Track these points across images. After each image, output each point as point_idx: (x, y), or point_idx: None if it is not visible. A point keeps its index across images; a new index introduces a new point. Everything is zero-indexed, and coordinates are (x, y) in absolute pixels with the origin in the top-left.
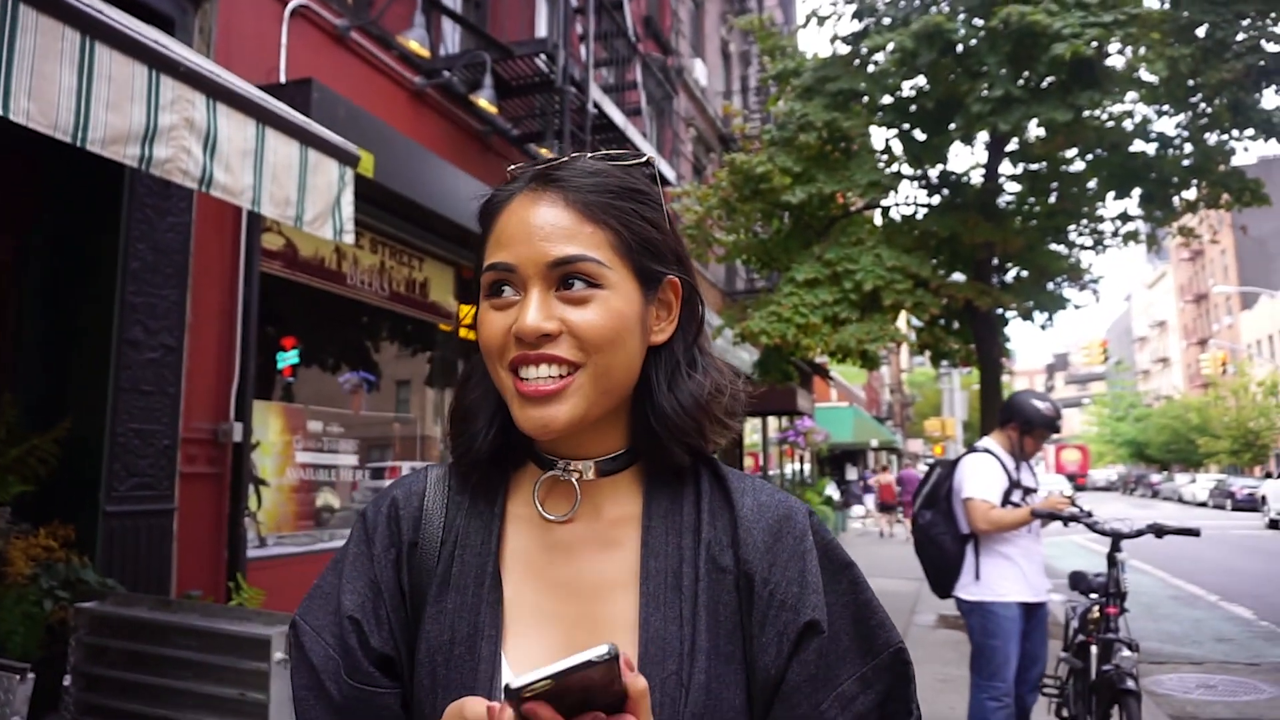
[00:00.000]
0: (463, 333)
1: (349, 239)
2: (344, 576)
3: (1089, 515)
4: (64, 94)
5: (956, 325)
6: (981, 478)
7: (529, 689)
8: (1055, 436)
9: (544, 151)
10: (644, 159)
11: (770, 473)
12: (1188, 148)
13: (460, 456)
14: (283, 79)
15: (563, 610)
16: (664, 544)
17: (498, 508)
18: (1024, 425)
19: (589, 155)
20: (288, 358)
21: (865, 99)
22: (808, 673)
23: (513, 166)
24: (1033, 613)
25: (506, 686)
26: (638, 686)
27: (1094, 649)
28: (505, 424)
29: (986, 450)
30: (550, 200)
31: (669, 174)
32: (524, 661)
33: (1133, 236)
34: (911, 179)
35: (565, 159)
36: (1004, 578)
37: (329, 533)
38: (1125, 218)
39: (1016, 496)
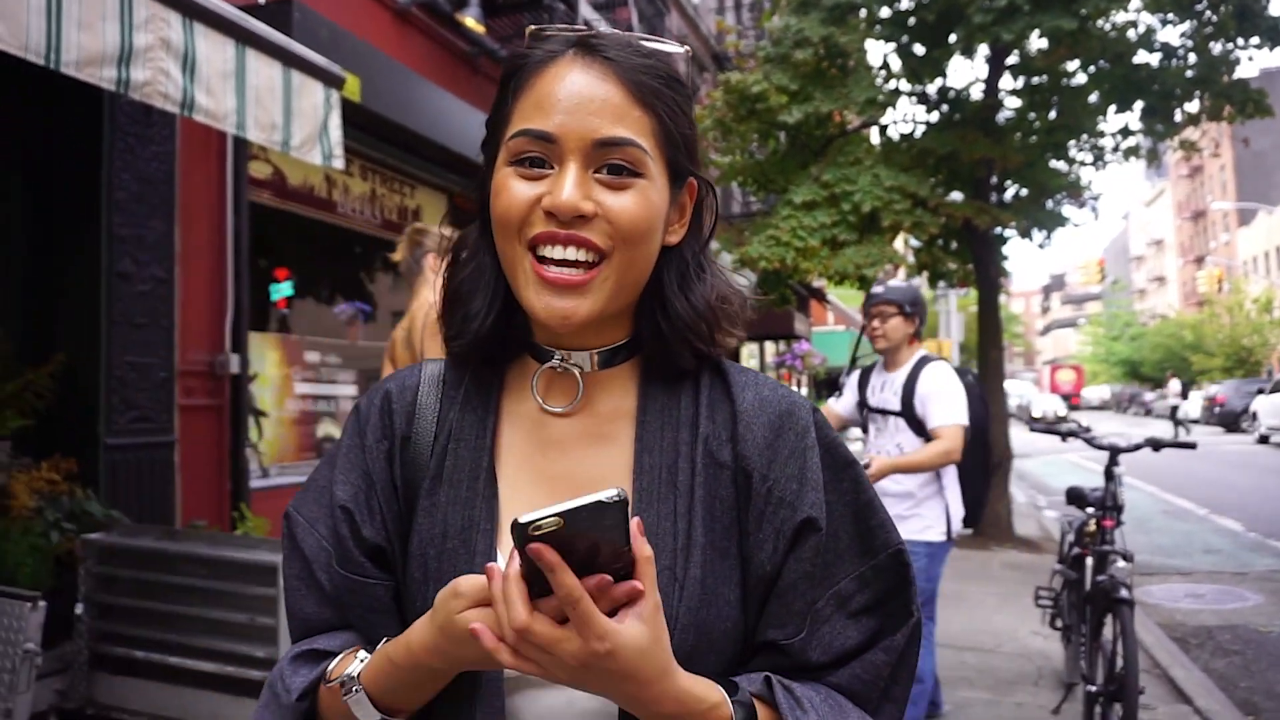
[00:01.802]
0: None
1: (338, 164)
2: (337, 468)
3: (1087, 430)
4: (33, 13)
5: (955, 245)
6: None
7: (535, 526)
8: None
9: None
10: (685, 50)
11: None
12: (1192, 58)
13: (453, 339)
14: None
15: (556, 503)
16: (659, 439)
17: (492, 402)
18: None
19: (626, 33)
20: (282, 289)
21: (863, 12)
22: (803, 570)
23: (535, 27)
24: None
25: (514, 522)
26: (644, 553)
27: (1089, 560)
28: (504, 306)
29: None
30: (601, 73)
31: None
32: None
33: (1134, 151)
34: (910, 95)
35: (602, 31)
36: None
37: None
38: (1126, 132)
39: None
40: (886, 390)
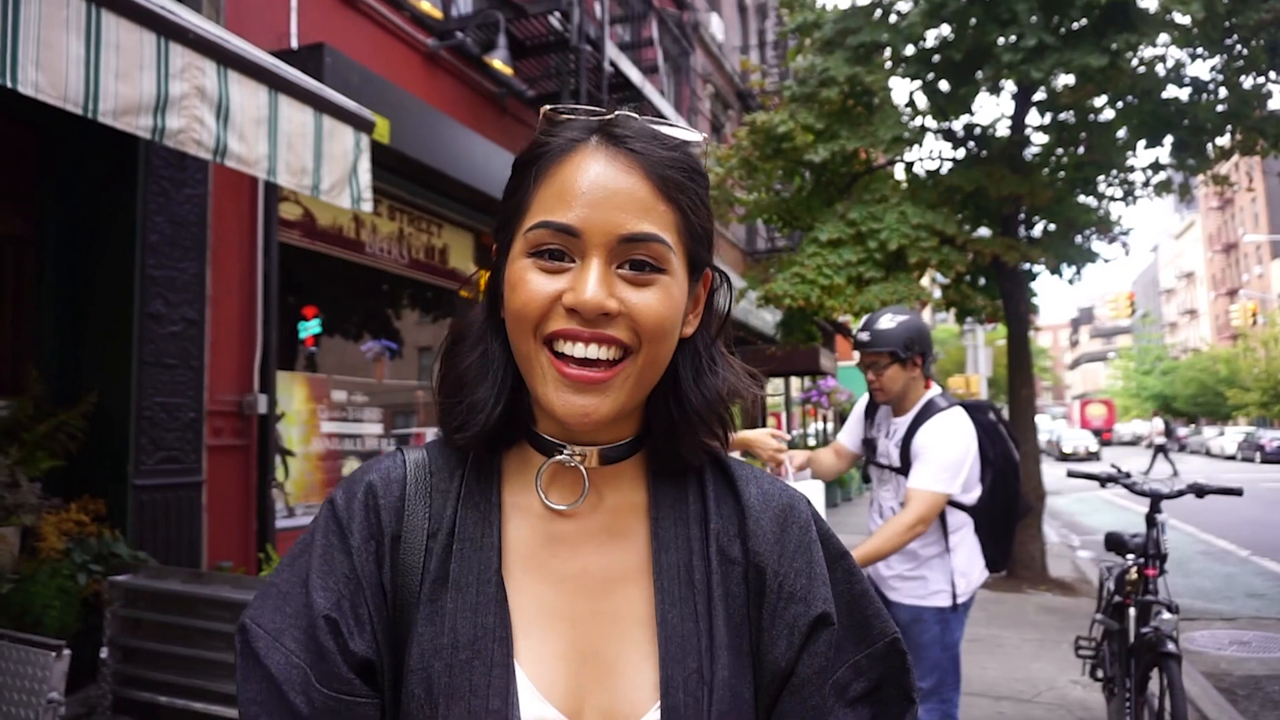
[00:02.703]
0: (463, 292)
1: (367, 207)
2: (312, 571)
3: (1127, 475)
4: (72, 63)
5: (983, 281)
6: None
7: None
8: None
9: None
10: (700, 138)
11: (793, 432)
12: (1222, 92)
13: (456, 431)
14: (294, 44)
15: (571, 607)
16: (673, 536)
17: (494, 497)
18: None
19: (642, 117)
20: (309, 327)
21: (888, 51)
22: (817, 665)
23: (551, 108)
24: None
25: None
26: None
27: (1132, 611)
28: (512, 395)
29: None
30: (626, 166)
31: None
32: (536, 663)
33: (1165, 187)
34: (936, 132)
35: (620, 114)
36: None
37: None
38: (1157, 167)
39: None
40: (890, 439)
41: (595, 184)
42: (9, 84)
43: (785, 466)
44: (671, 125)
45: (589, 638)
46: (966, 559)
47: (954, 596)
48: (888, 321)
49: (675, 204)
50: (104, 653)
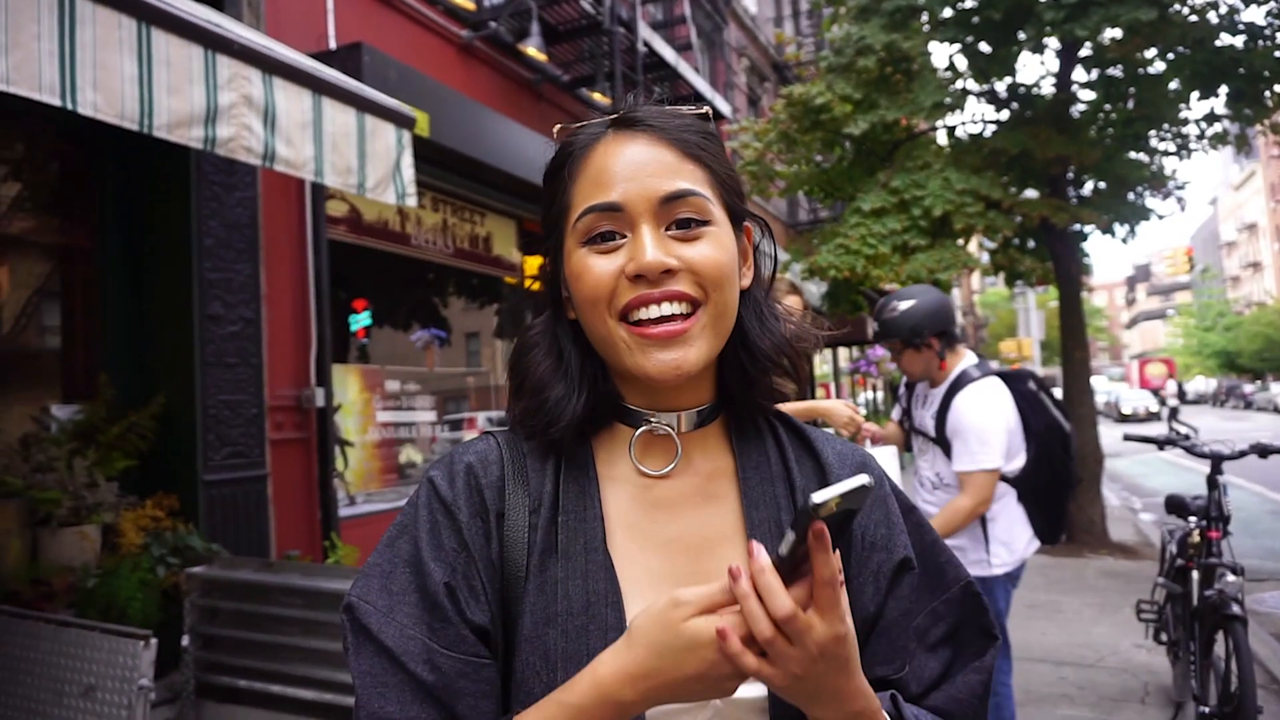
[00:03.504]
0: (529, 284)
1: (411, 202)
2: (422, 546)
3: (1186, 438)
4: (127, 82)
5: (1032, 244)
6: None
7: (823, 507)
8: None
9: (597, 96)
10: (703, 108)
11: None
12: (1279, 37)
13: (544, 430)
14: (332, 45)
15: (673, 568)
16: (760, 494)
17: (591, 470)
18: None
19: (645, 104)
20: (360, 320)
21: (925, 15)
22: (903, 607)
23: (560, 125)
24: None
25: (805, 504)
26: (824, 541)
27: (1195, 574)
28: (593, 386)
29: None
30: (645, 140)
31: (724, 108)
32: None
33: (1221, 138)
34: (978, 95)
35: (634, 106)
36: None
37: (414, 488)
38: (1212, 118)
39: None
40: (926, 409)
41: (625, 161)
42: (70, 106)
43: (863, 436)
44: (676, 108)
45: None
46: (1006, 528)
47: (990, 566)
48: (895, 310)
49: (700, 160)
50: (185, 640)
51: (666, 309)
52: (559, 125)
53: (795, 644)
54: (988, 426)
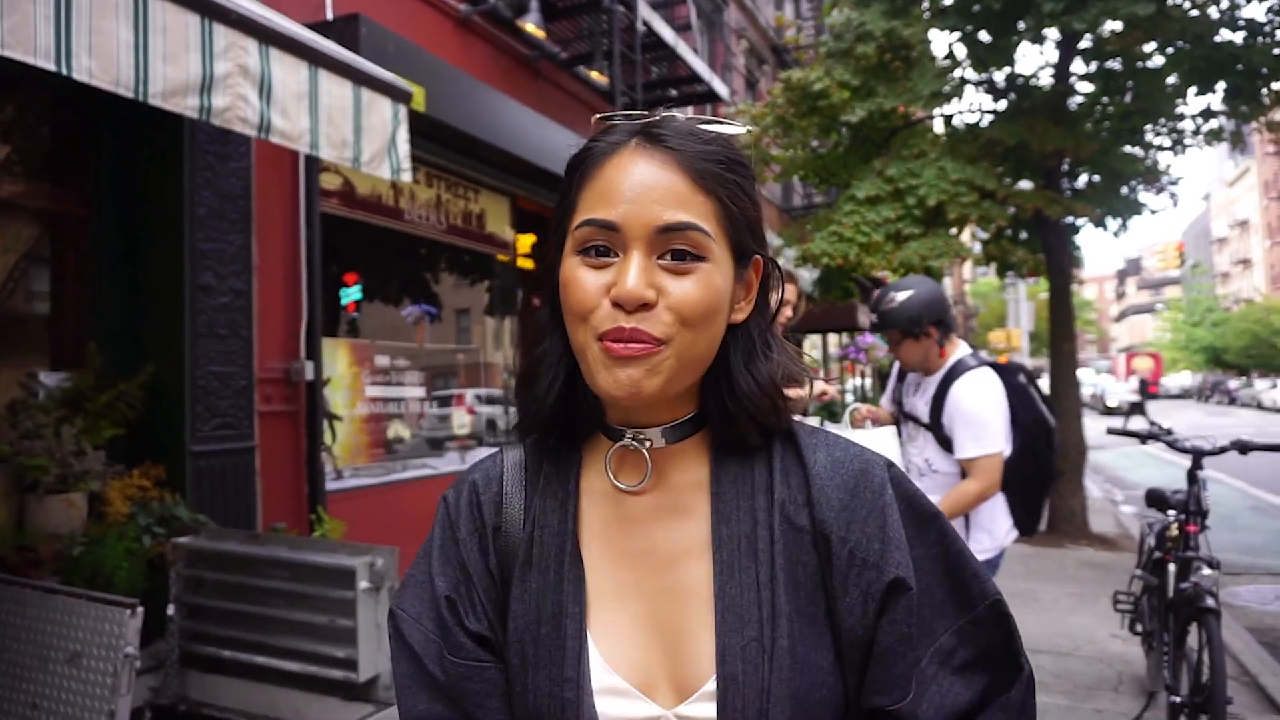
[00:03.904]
0: (521, 262)
1: (406, 177)
2: (434, 561)
3: (1168, 432)
4: (122, 49)
5: (1024, 235)
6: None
7: None
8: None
9: (595, 75)
10: (744, 129)
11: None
12: (1279, 35)
13: (525, 419)
14: (329, 15)
15: (641, 582)
16: (735, 508)
17: (571, 484)
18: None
19: (685, 116)
20: (351, 294)
21: (926, 2)
22: (899, 632)
23: (601, 115)
24: None
25: None
26: None
27: (1171, 566)
28: (568, 384)
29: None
30: (662, 161)
31: (722, 90)
32: (609, 635)
33: (1216, 135)
34: (976, 84)
35: (663, 115)
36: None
37: (401, 463)
38: (1208, 114)
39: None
40: (919, 395)
41: (634, 181)
42: (65, 72)
43: (861, 418)
44: (715, 121)
45: (658, 611)
46: (989, 516)
47: (995, 549)
48: (893, 301)
49: (713, 194)
50: (171, 610)
51: (634, 350)
52: (598, 116)
53: None
54: (988, 412)
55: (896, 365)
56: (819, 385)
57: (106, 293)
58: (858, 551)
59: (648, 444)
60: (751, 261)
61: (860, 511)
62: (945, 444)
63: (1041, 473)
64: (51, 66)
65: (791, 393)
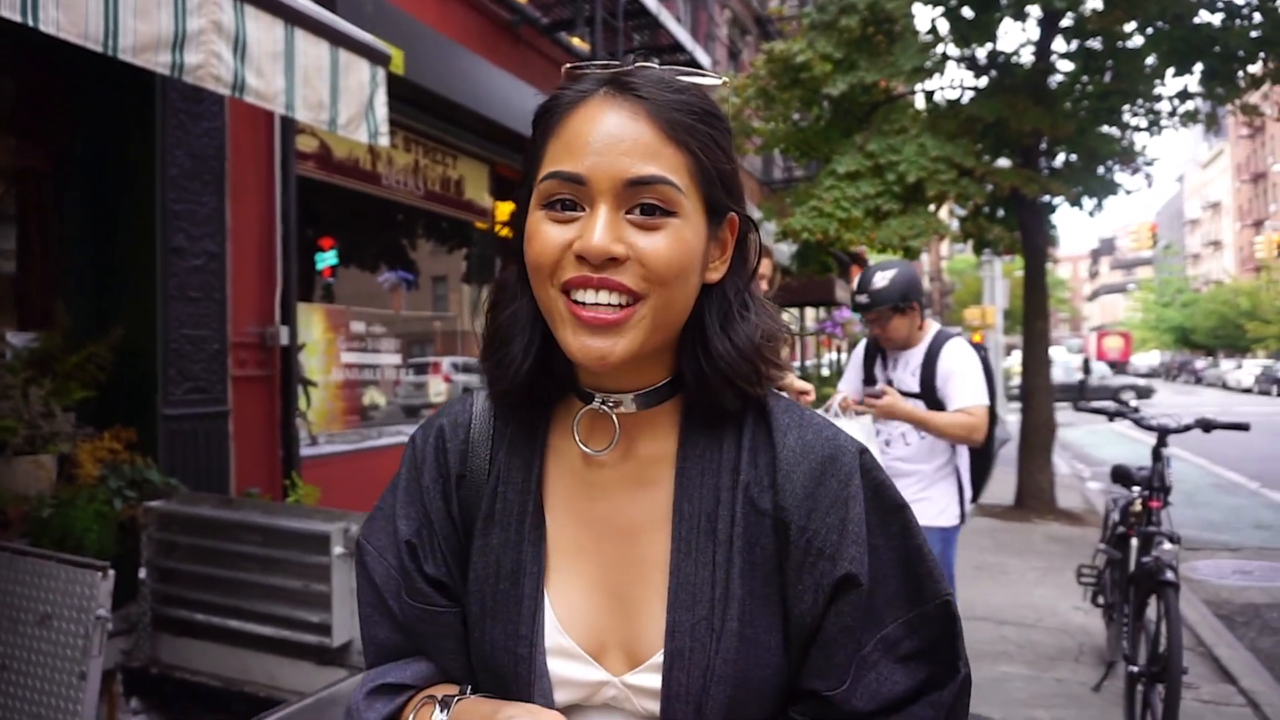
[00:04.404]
0: (499, 230)
1: (384, 141)
2: (398, 503)
3: (1136, 410)
4: (91, 2)
5: (1001, 213)
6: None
7: None
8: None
9: (576, 41)
10: (720, 80)
11: (806, 363)
12: (1256, 18)
13: (494, 384)
14: None
15: (600, 548)
16: (699, 485)
17: (538, 443)
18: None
19: (659, 65)
20: (326, 258)
21: None
22: (844, 624)
23: (570, 65)
24: None
25: None
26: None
27: (1134, 541)
28: (543, 348)
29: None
30: (631, 111)
31: (704, 60)
32: (565, 598)
33: (1191, 116)
34: (958, 60)
35: (636, 66)
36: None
37: (376, 430)
38: (1185, 95)
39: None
40: (902, 369)
41: (601, 132)
42: (30, 23)
43: (843, 406)
44: (691, 71)
45: (614, 579)
46: (966, 479)
47: (962, 515)
48: (880, 280)
49: (684, 146)
50: (142, 573)
51: (604, 297)
52: (568, 65)
53: None
54: (977, 370)
55: (860, 350)
56: (799, 384)
57: (75, 253)
58: (815, 541)
59: (618, 409)
60: (726, 219)
61: (824, 501)
62: (938, 407)
63: (988, 450)
64: (17, 18)
65: (786, 385)
